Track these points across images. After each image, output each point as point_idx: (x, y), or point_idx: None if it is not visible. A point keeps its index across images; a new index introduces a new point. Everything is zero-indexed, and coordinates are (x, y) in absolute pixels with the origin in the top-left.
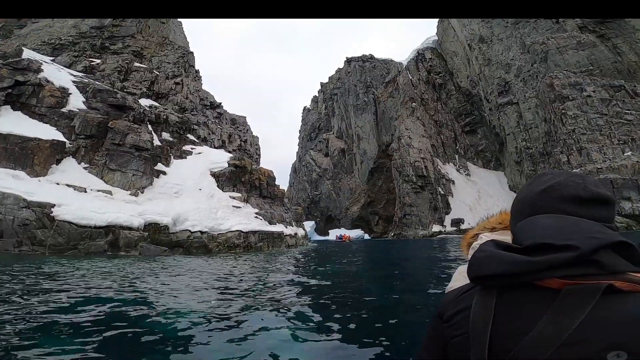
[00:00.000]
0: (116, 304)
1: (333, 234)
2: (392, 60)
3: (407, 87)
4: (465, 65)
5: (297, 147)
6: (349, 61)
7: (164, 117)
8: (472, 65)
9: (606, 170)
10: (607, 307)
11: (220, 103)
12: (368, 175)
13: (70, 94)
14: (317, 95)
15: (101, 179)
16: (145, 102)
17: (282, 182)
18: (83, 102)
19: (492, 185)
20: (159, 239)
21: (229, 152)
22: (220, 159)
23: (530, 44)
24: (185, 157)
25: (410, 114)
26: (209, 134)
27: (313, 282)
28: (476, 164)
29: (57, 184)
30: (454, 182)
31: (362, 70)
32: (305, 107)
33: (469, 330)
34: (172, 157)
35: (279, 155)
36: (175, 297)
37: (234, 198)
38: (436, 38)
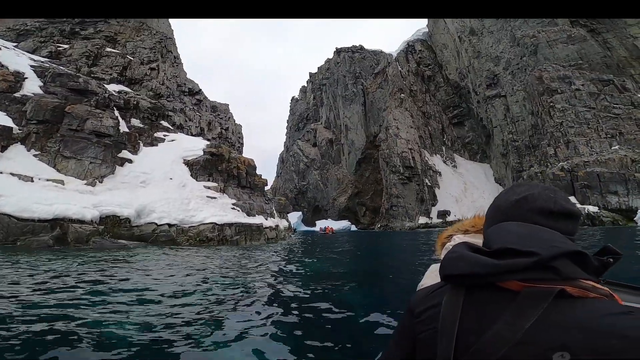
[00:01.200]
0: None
1: (320, 225)
2: (381, 52)
3: (396, 79)
4: (454, 58)
5: (285, 137)
6: (338, 52)
7: (134, 102)
8: (462, 57)
9: (593, 164)
10: (557, 311)
11: (200, 90)
12: (356, 166)
13: (26, 78)
14: (306, 85)
15: (53, 167)
16: (114, 87)
17: (271, 172)
18: (40, 87)
19: (478, 178)
20: (119, 233)
21: (208, 140)
22: (195, 146)
23: (520, 37)
24: (157, 145)
25: (399, 104)
26: (186, 121)
27: (276, 286)
28: (463, 156)
29: (0, 172)
30: (440, 174)
31: (351, 61)
32: (293, 97)
33: (437, 326)
34: (141, 144)
35: (268, 145)
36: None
37: (209, 188)
38: (426, 30)
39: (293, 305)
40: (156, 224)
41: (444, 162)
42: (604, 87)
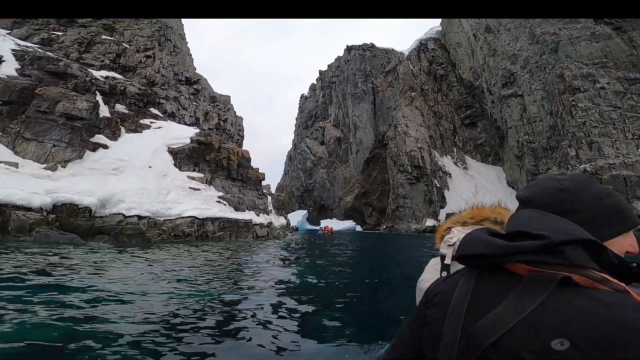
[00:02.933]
0: None
1: (323, 224)
2: (393, 50)
3: (407, 77)
4: (468, 57)
5: (293, 134)
6: (349, 49)
7: (121, 88)
8: (476, 56)
9: (619, 167)
10: (561, 298)
11: (198, 79)
12: (363, 165)
13: (4, 61)
14: (315, 83)
15: (12, 149)
16: (103, 73)
17: (278, 172)
18: (16, 70)
19: (490, 180)
20: (75, 224)
21: (204, 130)
22: (182, 134)
23: (540, 34)
24: (141, 132)
25: (409, 103)
26: (179, 109)
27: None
28: (474, 158)
29: None
30: (450, 175)
31: (362, 59)
32: (302, 95)
33: (445, 308)
34: (123, 130)
35: (278, 144)
36: None
37: (193, 179)
38: (440, 29)
39: None
40: (123, 215)
41: (455, 163)
42: (631, 86)
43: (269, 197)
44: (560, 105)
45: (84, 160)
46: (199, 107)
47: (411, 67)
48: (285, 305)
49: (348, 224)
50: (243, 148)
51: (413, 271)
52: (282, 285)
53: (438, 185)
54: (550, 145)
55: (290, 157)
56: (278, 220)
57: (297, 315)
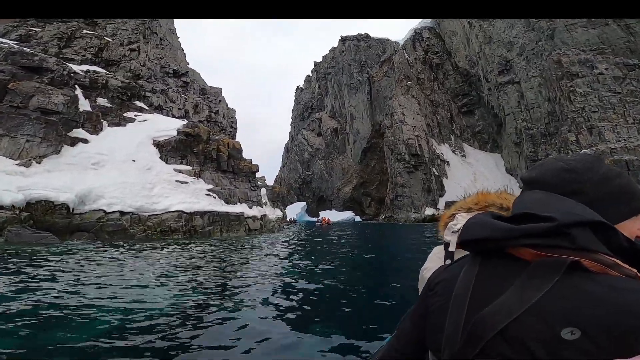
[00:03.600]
0: None
1: (322, 216)
2: (388, 40)
3: (403, 66)
4: (464, 45)
5: (290, 126)
6: (343, 40)
7: (103, 81)
8: (472, 44)
9: (621, 151)
10: (570, 284)
11: (186, 72)
12: (361, 156)
13: None
14: (311, 74)
15: None
16: (84, 67)
17: (277, 164)
18: None
19: (489, 168)
20: (52, 222)
21: (193, 122)
22: (169, 126)
23: (535, 22)
24: (125, 125)
25: (405, 92)
26: (166, 102)
27: None
28: (472, 146)
29: None
30: (448, 163)
31: (356, 50)
32: (298, 87)
33: (448, 296)
34: (105, 123)
35: (277, 137)
36: None
37: (180, 171)
38: (434, 18)
39: None
40: (104, 211)
41: (453, 151)
42: (630, 72)
43: (264, 189)
44: (558, 91)
45: (61, 156)
46: (189, 100)
47: (406, 57)
48: (280, 299)
49: (347, 214)
50: (237, 140)
51: (408, 262)
52: (275, 280)
53: (436, 173)
54: (549, 132)
55: (287, 150)
56: (274, 213)
57: (295, 309)
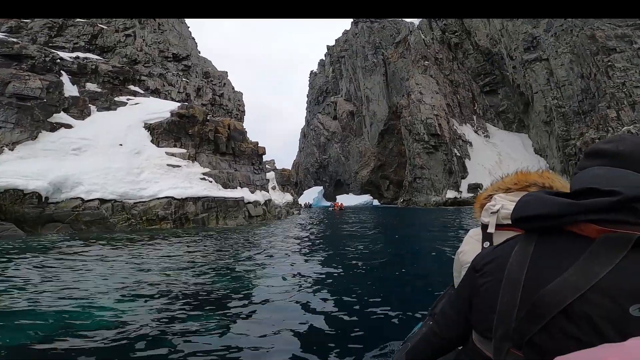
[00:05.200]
0: None
1: (341, 200)
2: (402, 20)
3: (420, 46)
4: (484, 23)
5: (305, 111)
6: (356, 22)
7: (92, 67)
8: (493, 21)
9: None
10: (638, 260)
11: (188, 55)
12: (378, 138)
13: None
14: (324, 58)
15: None
16: (74, 54)
17: (294, 149)
18: None
19: (515, 148)
20: (21, 212)
21: (188, 104)
22: (162, 108)
23: None
24: (115, 109)
25: (423, 71)
26: (164, 86)
27: None
28: (496, 126)
29: None
30: (471, 144)
31: (370, 31)
32: (312, 72)
33: (499, 276)
34: (93, 108)
35: (293, 125)
36: None
37: (172, 155)
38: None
39: None
40: (82, 199)
41: (475, 131)
42: None
43: (273, 173)
44: (593, 67)
45: (37, 142)
46: (190, 83)
47: (423, 37)
48: (295, 295)
49: (365, 198)
50: (244, 124)
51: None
52: (285, 276)
53: (458, 154)
54: (583, 110)
55: (304, 134)
56: (283, 198)
57: (313, 302)
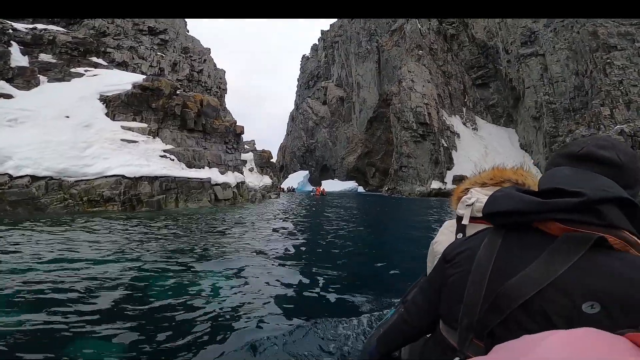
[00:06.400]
0: None
1: (326, 185)
2: None
3: (415, 35)
4: None
5: (295, 95)
6: None
7: (49, 37)
8: None
9: None
10: (594, 260)
11: (165, 29)
12: (367, 125)
13: None
14: (317, 43)
15: None
16: (31, 25)
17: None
18: None
19: (502, 142)
20: None
21: (155, 76)
22: (123, 80)
23: None
24: (69, 80)
25: (416, 60)
26: (133, 59)
27: None
28: (485, 119)
29: None
30: (459, 136)
31: (366, 18)
32: (304, 56)
33: (468, 268)
34: (43, 79)
35: (287, 109)
36: None
37: (129, 129)
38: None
39: None
40: (10, 176)
41: (464, 123)
42: None
43: (251, 154)
44: (590, 64)
45: None
46: (166, 58)
47: (419, 26)
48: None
49: (350, 184)
50: (230, 105)
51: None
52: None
53: (445, 145)
54: (574, 107)
55: (292, 118)
56: (261, 180)
57: (288, 286)
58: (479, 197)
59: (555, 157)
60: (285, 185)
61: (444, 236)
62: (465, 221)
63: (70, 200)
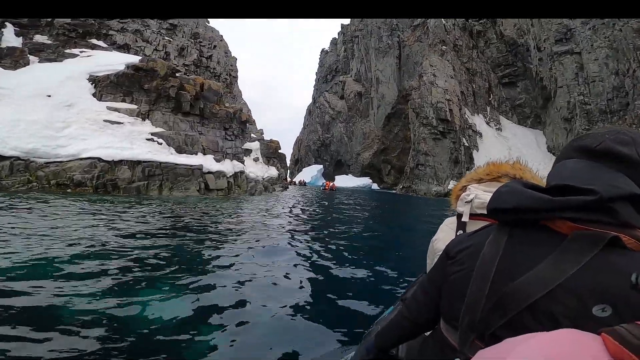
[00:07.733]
0: None
1: (339, 181)
2: None
3: (439, 31)
4: None
5: (313, 89)
6: None
7: (47, 19)
8: None
9: None
10: (606, 260)
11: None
12: (384, 121)
13: None
14: (337, 37)
15: None
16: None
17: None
18: None
19: (527, 144)
20: None
21: (174, 65)
22: (117, 61)
23: None
24: (62, 61)
25: (440, 55)
26: (136, 41)
27: None
28: (510, 119)
29: None
30: (481, 135)
31: (386, 18)
32: (323, 49)
33: (472, 265)
34: (34, 59)
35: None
36: None
37: (116, 110)
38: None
39: None
40: None
41: (487, 123)
42: None
43: (257, 143)
44: (634, 63)
45: None
46: (173, 43)
47: (444, 22)
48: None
49: (364, 181)
50: (237, 92)
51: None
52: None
53: (466, 144)
54: (611, 108)
55: (309, 112)
56: (266, 172)
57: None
58: (477, 193)
59: (569, 150)
60: (297, 178)
61: (444, 233)
62: (465, 218)
63: (35, 183)
